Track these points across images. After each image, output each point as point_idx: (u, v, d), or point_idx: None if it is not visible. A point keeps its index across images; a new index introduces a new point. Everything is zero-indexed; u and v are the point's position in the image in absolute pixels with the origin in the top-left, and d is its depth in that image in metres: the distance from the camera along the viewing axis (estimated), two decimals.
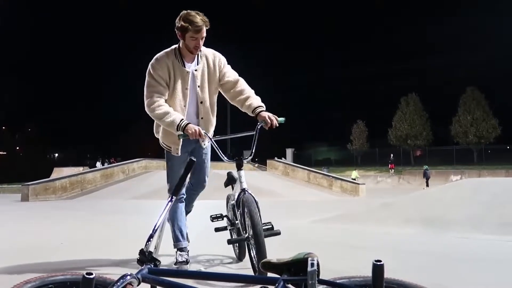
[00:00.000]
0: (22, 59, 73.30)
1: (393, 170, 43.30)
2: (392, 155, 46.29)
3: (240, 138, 4.01)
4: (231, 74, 3.92)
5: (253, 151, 3.71)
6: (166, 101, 3.71)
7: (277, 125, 3.65)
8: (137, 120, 78.42)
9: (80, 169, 29.97)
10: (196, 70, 3.78)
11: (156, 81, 3.70)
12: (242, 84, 3.89)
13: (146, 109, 3.72)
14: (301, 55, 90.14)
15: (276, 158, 29.58)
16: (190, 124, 3.55)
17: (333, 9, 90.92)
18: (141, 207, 12.91)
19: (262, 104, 3.76)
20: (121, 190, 20.40)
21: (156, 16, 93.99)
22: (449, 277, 3.70)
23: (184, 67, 3.76)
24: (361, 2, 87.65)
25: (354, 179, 31.74)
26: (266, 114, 3.64)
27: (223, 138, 3.90)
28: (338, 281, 1.66)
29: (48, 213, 11.84)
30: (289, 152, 46.25)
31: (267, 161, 29.02)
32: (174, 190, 2.24)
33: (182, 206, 3.86)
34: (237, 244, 4.16)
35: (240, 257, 4.13)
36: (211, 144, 3.85)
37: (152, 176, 23.87)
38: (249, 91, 3.86)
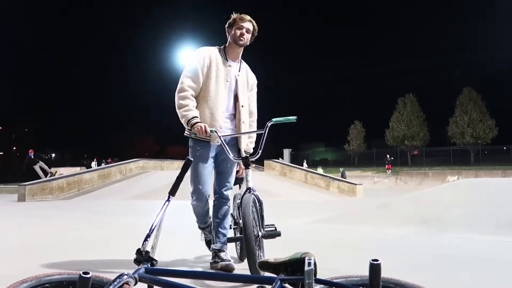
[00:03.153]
0: (17, 59, 73.15)
1: (390, 170, 43.34)
2: (388, 155, 46.35)
3: None
4: (254, 103, 4.12)
5: (261, 148, 3.79)
6: (211, 89, 3.79)
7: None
8: (134, 120, 78.63)
9: (77, 169, 29.89)
10: (238, 75, 3.93)
11: (196, 67, 3.80)
12: (253, 122, 4.10)
13: (176, 93, 3.80)
14: (299, 56, 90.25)
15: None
16: (199, 123, 3.62)
17: (331, 10, 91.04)
18: (138, 207, 12.89)
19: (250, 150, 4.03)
20: (118, 190, 20.36)
21: (152, 13, 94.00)
22: (445, 277, 3.71)
23: (227, 61, 3.90)
24: (359, 2, 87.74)
25: None
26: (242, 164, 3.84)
27: (232, 136, 3.87)
28: (335, 281, 1.66)
29: (45, 213, 11.81)
30: (286, 152, 46.21)
31: (265, 161, 28.98)
32: (171, 189, 2.24)
33: (206, 207, 3.95)
34: (239, 244, 4.18)
35: (241, 257, 4.14)
36: (235, 150, 3.91)
37: (149, 176, 23.86)
38: (253, 136, 4.08)
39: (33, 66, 78.75)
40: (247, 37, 3.87)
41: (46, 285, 1.72)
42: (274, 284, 1.62)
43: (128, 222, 8.79)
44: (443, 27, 75.71)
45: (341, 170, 39.23)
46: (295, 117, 3.75)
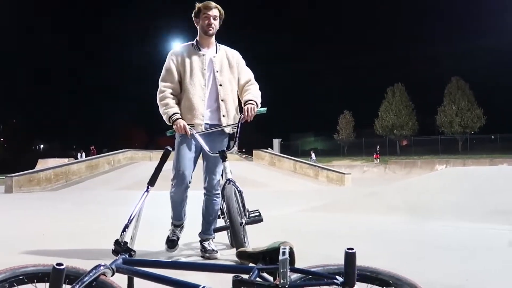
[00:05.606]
0: (5, 48, 72.27)
1: (378, 160, 43.55)
2: (378, 146, 46.55)
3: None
4: (245, 72, 4.13)
5: (237, 142, 3.96)
6: (186, 82, 3.90)
7: (251, 119, 3.86)
8: (124, 111, 78.17)
9: (65, 160, 29.72)
10: (214, 57, 3.99)
11: (169, 67, 3.95)
12: (250, 85, 4.08)
13: (157, 96, 3.98)
14: (288, 46, 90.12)
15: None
16: (179, 120, 3.78)
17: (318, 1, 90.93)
18: (126, 198, 12.81)
19: (253, 99, 3.94)
20: (106, 181, 20.26)
21: (143, 3, 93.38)
22: (431, 265, 3.72)
23: (200, 51, 3.99)
24: None
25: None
26: (246, 107, 3.86)
27: (207, 132, 3.91)
28: (312, 270, 1.64)
29: (32, 204, 11.74)
30: (276, 142, 46.26)
31: (254, 151, 28.97)
32: (150, 180, 2.22)
33: (184, 195, 3.95)
34: (230, 232, 4.24)
35: (232, 244, 4.24)
36: (233, 133, 4.02)
37: (137, 167, 23.75)
38: (253, 89, 4.04)
39: (21, 56, 77.93)
40: (216, 25, 3.97)
41: (21, 277, 1.70)
42: (251, 273, 1.61)
43: (115, 213, 8.75)
44: (431, 16, 75.93)
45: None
46: (265, 109, 3.95)
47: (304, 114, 75.30)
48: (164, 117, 3.88)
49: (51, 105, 78.78)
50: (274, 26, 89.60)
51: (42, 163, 31.73)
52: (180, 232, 4.07)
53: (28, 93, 77.59)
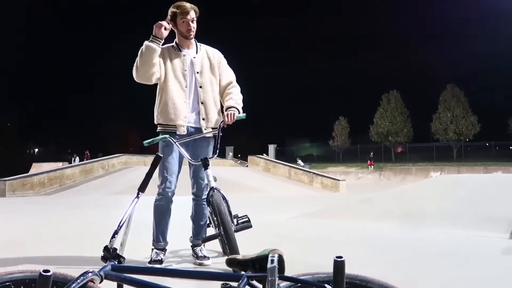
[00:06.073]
0: None
1: (372, 166, 43.59)
2: (372, 153, 46.59)
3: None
4: (227, 74, 4.07)
5: (217, 148, 3.90)
6: (168, 83, 3.85)
7: (230, 123, 3.81)
8: (120, 115, 78.06)
9: (60, 164, 29.60)
10: (195, 58, 3.94)
11: None
12: (232, 88, 4.04)
13: (133, 72, 3.83)
14: (284, 52, 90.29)
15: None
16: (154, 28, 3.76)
17: (315, 4, 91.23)
18: (120, 203, 12.75)
19: (235, 106, 3.90)
20: (100, 186, 20.18)
21: (138, 5, 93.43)
22: (424, 272, 3.71)
23: (181, 51, 3.93)
24: None
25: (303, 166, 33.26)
26: (226, 113, 3.82)
27: (187, 139, 3.87)
28: (301, 278, 1.63)
29: (25, 209, 11.67)
30: (271, 148, 46.23)
31: (249, 157, 28.98)
32: (140, 186, 2.20)
33: (169, 206, 3.91)
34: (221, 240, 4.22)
35: (225, 251, 4.18)
36: (215, 137, 3.95)
37: (132, 171, 23.66)
38: (234, 93, 3.99)
39: (19, 58, 77.75)
40: (195, 27, 3.89)
41: (7, 283, 1.68)
42: (241, 281, 1.59)
43: (108, 218, 8.70)
44: (427, 23, 76.32)
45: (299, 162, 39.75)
46: (244, 114, 3.90)
47: (299, 120, 75.40)
48: (145, 50, 3.73)
49: (46, 109, 78.64)
50: (272, 31, 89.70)
51: (36, 167, 31.56)
52: (163, 255, 3.87)
53: (23, 97, 77.42)
